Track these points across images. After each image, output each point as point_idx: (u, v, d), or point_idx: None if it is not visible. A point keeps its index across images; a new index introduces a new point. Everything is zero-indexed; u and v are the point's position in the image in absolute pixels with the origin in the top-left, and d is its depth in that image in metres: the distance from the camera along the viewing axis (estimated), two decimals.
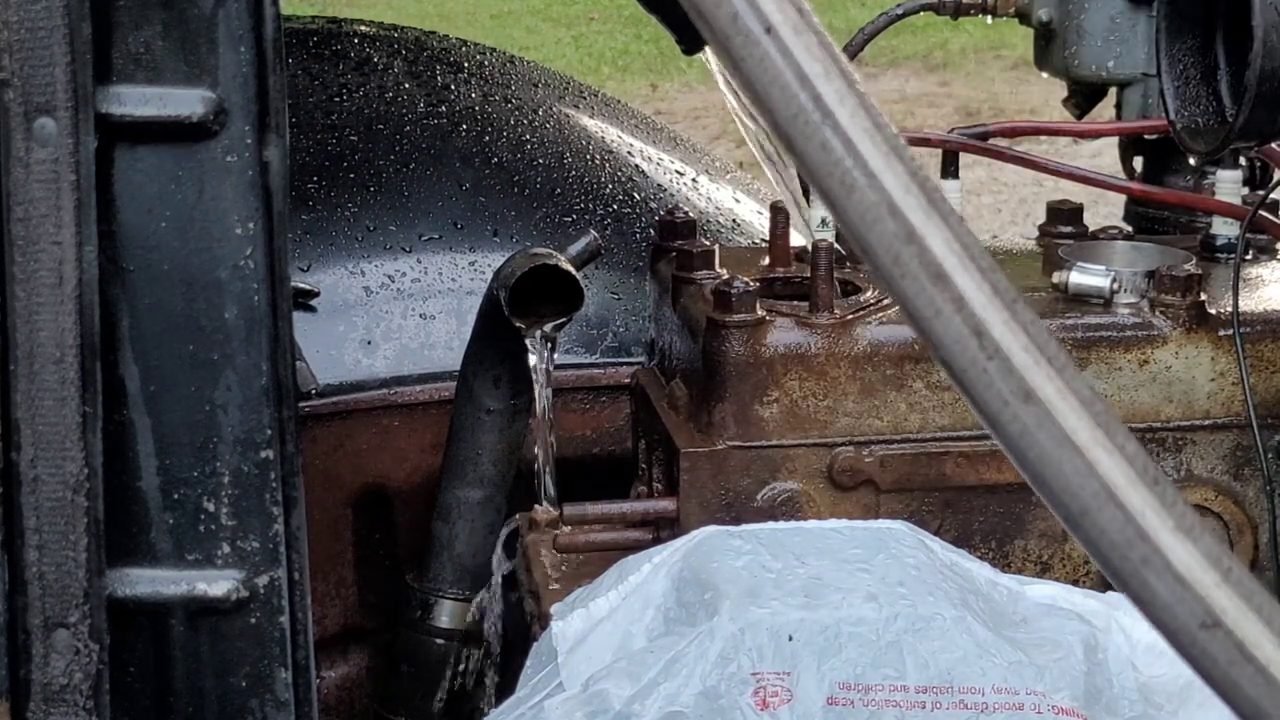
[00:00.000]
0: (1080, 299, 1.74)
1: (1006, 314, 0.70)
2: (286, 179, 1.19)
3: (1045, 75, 2.39)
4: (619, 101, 2.84)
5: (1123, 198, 2.34)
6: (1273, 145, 1.87)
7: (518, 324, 1.88)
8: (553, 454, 1.87)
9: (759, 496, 1.64)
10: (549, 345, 1.89)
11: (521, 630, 1.76)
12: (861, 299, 1.71)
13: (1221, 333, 1.70)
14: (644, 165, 2.51)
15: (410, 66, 2.52)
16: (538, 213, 2.34)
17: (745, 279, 1.67)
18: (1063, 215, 2.00)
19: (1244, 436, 1.71)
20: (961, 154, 1.97)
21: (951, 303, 0.70)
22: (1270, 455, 1.71)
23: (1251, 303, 1.75)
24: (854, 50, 2.21)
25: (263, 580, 1.23)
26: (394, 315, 2.24)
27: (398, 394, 2.20)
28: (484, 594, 1.93)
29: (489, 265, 2.19)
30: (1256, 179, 2.17)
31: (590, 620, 1.47)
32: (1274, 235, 1.93)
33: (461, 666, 2.10)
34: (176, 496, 1.21)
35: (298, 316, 1.91)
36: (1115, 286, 1.74)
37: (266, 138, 1.17)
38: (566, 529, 1.72)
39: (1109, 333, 1.70)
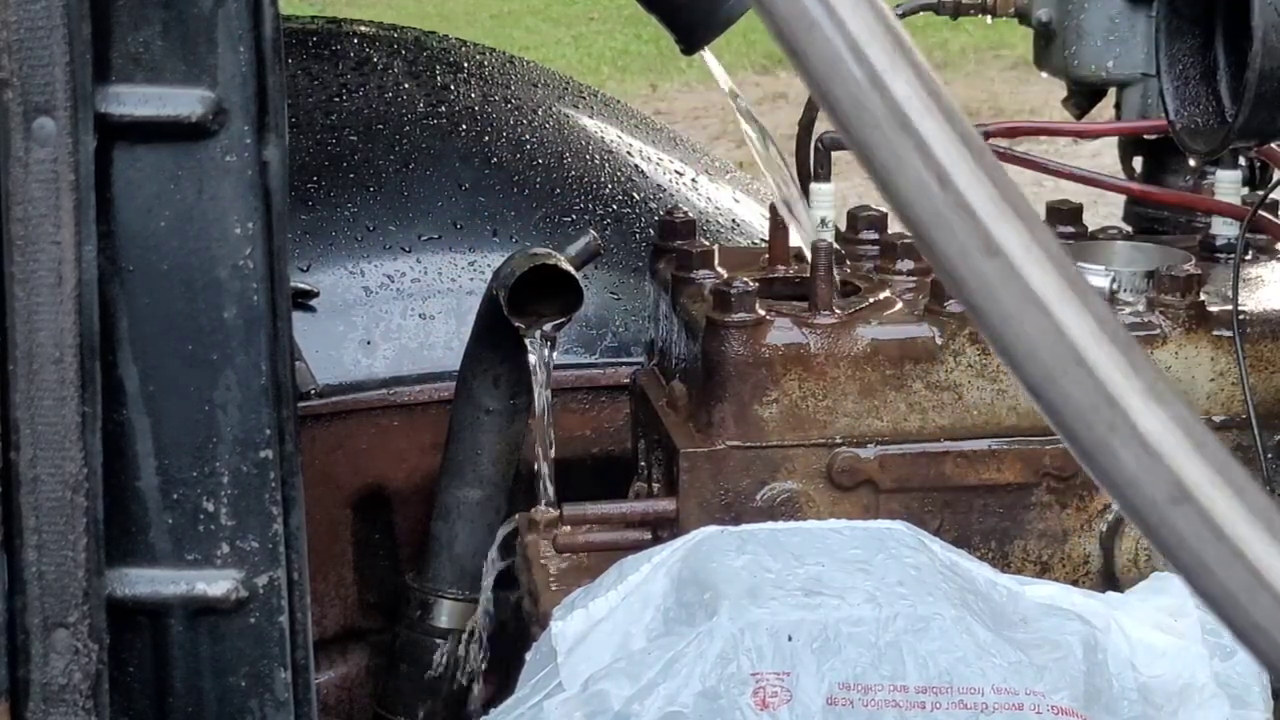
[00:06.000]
0: None
1: (972, 162, 0.67)
2: (286, 179, 1.18)
3: (1045, 75, 2.39)
4: (619, 101, 2.84)
5: (1123, 198, 2.34)
6: (1273, 145, 1.87)
7: (517, 324, 1.88)
8: (552, 454, 1.87)
9: (758, 496, 1.64)
10: (549, 345, 1.89)
11: (521, 630, 1.76)
12: (861, 299, 1.71)
13: (1221, 333, 1.70)
14: (644, 165, 2.51)
15: (410, 66, 2.52)
16: (538, 213, 2.34)
17: (745, 279, 1.67)
18: (1062, 215, 2.00)
19: (1244, 436, 1.71)
20: None
21: (915, 150, 0.66)
22: (1270, 455, 1.71)
23: (1251, 303, 1.75)
24: None
25: (262, 580, 1.23)
26: (393, 315, 2.24)
27: (397, 394, 2.20)
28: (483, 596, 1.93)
29: (489, 265, 2.19)
30: (1256, 179, 2.17)
31: (590, 620, 1.47)
32: (1274, 235, 1.93)
33: (461, 666, 2.10)
34: (176, 496, 1.21)
35: (297, 316, 1.91)
36: (1115, 286, 1.74)
37: (266, 137, 1.17)
38: (566, 529, 1.72)
39: None
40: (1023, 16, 2.34)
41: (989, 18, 2.37)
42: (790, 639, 1.37)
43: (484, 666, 1.95)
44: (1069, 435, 0.67)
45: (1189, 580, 0.65)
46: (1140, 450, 0.65)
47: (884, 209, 1.96)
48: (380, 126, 2.39)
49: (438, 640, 2.10)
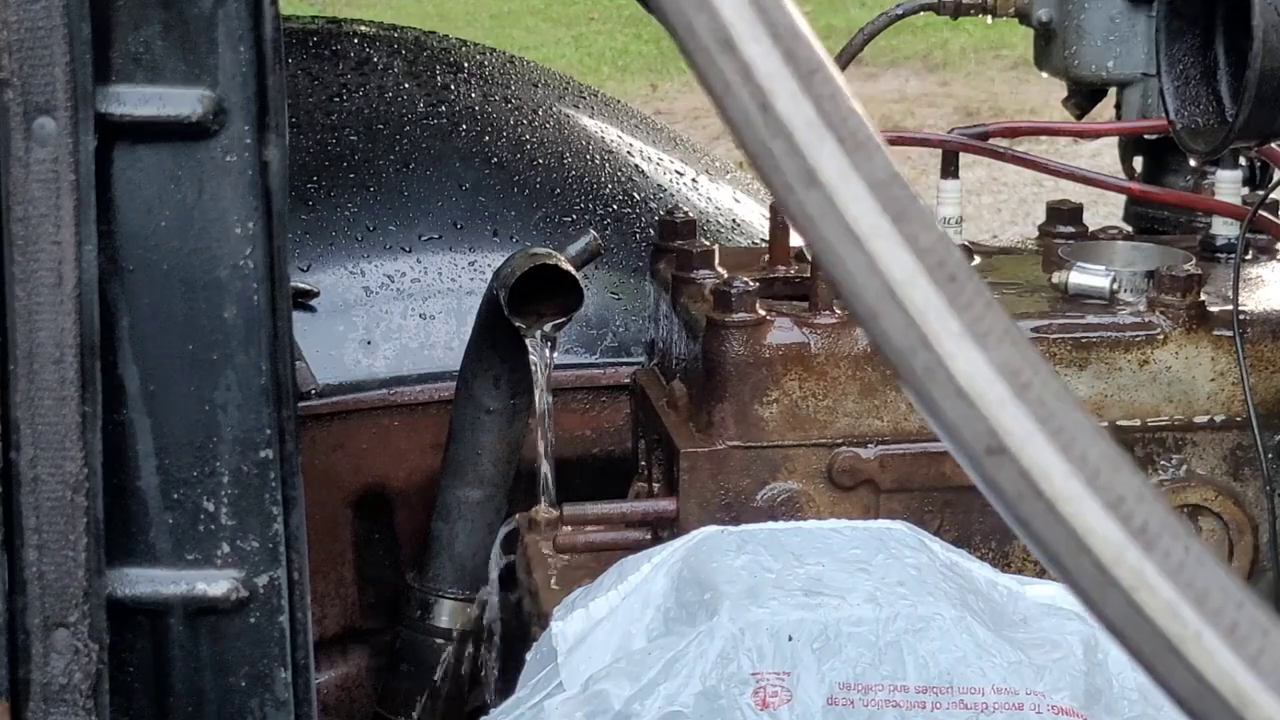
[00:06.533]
0: (1080, 299, 1.74)
1: (796, 85, 0.61)
2: (286, 179, 1.18)
3: (1045, 75, 2.39)
4: (619, 101, 2.84)
5: (1123, 198, 2.34)
6: (1273, 145, 1.87)
7: (518, 324, 1.88)
8: (552, 454, 1.87)
9: (759, 496, 1.64)
10: (549, 345, 1.89)
11: (521, 630, 1.76)
12: None
13: (1221, 333, 1.70)
14: (644, 165, 2.51)
15: (410, 66, 2.52)
16: (538, 213, 2.34)
17: (745, 279, 1.67)
18: (1063, 215, 2.00)
19: (1244, 436, 1.70)
20: (961, 154, 1.97)
21: (739, 74, 0.61)
22: (1270, 455, 1.71)
23: (1251, 303, 1.75)
24: (854, 50, 2.21)
25: (262, 580, 1.23)
26: (394, 315, 2.24)
27: (397, 394, 2.20)
28: (485, 590, 1.93)
29: (489, 265, 2.19)
30: (1256, 179, 2.17)
31: (590, 620, 1.47)
32: (1274, 235, 1.93)
33: (462, 667, 2.10)
34: (176, 496, 1.21)
35: (298, 316, 1.91)
36: (1115, 286, 1.74)
37: (266, 137, 1.17)
38: (566, 529, 1.72)
39: (1109, 333, 1.70)
40: (1023, 16, 2.34)
41: (989, 18, 2.37)
42: (790, 639, 1.37)
43: (496, 669, 1.95)
44: (897, 376, 0.63)
45: (1016, 529, 0.62)
46: (955, 397, 0.61)
47: None
48: (380, 126, 2.39)
49: (438, 640, 2.10)
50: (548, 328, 1.89)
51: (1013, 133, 2.09)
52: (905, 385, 0.62)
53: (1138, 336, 1.70)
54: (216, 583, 1.23)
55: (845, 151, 0.61)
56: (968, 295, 0.60)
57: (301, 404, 1.78)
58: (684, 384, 1.73)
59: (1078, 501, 0.59)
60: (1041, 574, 1.70)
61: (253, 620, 1.24)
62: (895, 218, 0.60)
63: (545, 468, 1.86)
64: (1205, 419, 1.71)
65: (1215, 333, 1.70)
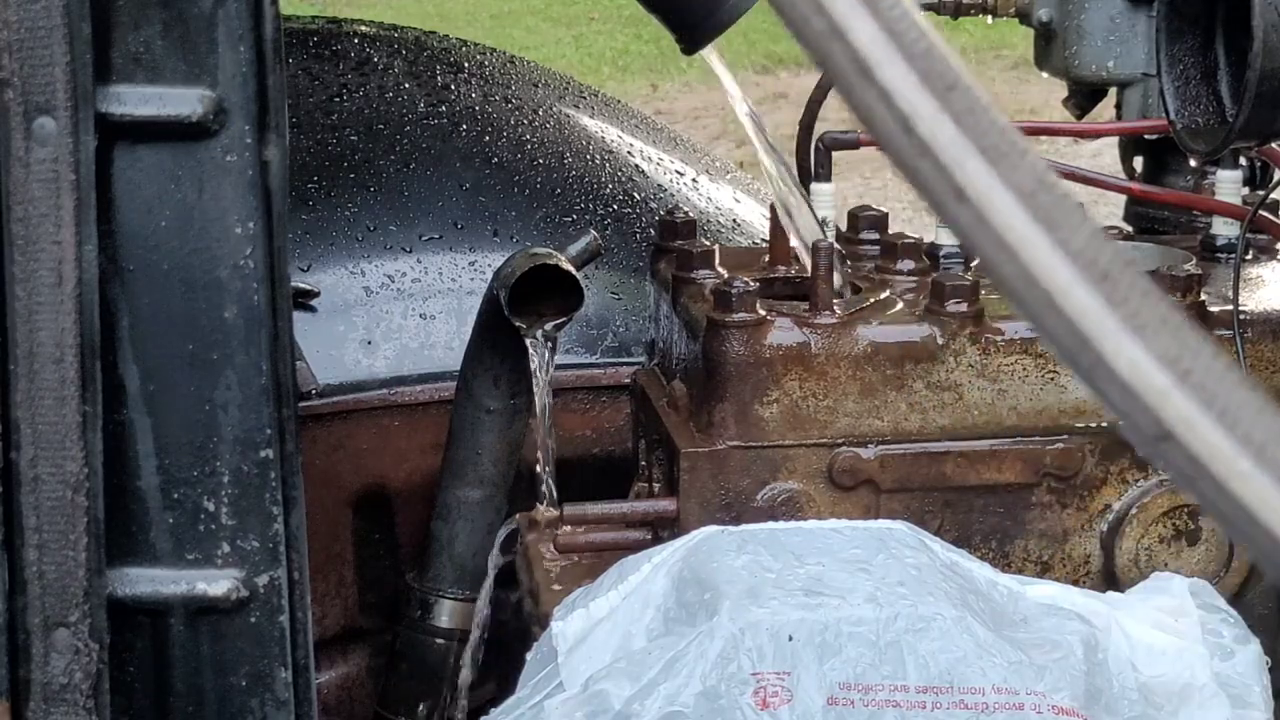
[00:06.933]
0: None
1: (935, 104, 0.64)
2: (286, 179, 1.19)
3: (1045, 75, 2.39)
4: (619, 101, 2.84)
5: (1123, 198, 2.34)
6: (1273, 145, 1.87)
7: (518, 324, 1.88)
8: (553, 454, 1.87)
9: (759, 496, 1.64)
10: (549, 345, 1.89)
11: (521, 630, 1.76)
12: (861, 299, 1.71)
13: (1221, 333, 1.70)
14: (644, 165, 2.51)
15: (410, 66, 2.52)
16: (538, 213, 2.34)
17: (745, 279, 1.67)
18: None
19: None
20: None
21: (879, 99, 0.64)
22: None
23: (1251, 303, 1.75)
24: None
25: (262, 580, 1.23)
26: (394, 315, 2.24)
27: (398, 394, 2.20)
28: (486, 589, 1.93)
29: (489, 265, 2.19)
30: (1256, 179, 2.17)
31: (590, 620, 1.47)
32: (1274, 235, 1.93)
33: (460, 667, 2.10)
34: (176, 496, 1.21)
35: (298, 316, 1.91)
36: None
37: (266, 137, 1.17)
38: (566, 529, 1.72)
39: None
40: (1023, 17, 2.34)
41: (989, 18, 2.37)
42: (791, 639, 1.37)
43: (479, 666, 1.95)
44: (1075, 374, 0.66)
45: (1199, 501, 0.64)
46: (1121, 391, 0.63)
47: (884, 209, 1.96)
48: (381, 126, 2.39)
49: (438, 640, 2.10)
50: (548, 327, 1.89)
51: None
52: (1080, 380, 0.65)
53: None
54: (217, 582, 1.23)
55: (990, 164, 0.64)
56: (1123, 291, 0.63)
57: (302, 404, 1.78)
58: (684, 384, 1.73)
59: (1244, 480, 0.62)
60: (1042, 574, 1.70)
61: (253, 620, 1.24)
62: (1046, 225, 0.63)
63: (545, 468, 1.86)
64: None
65: (1215, 333, 1.70)
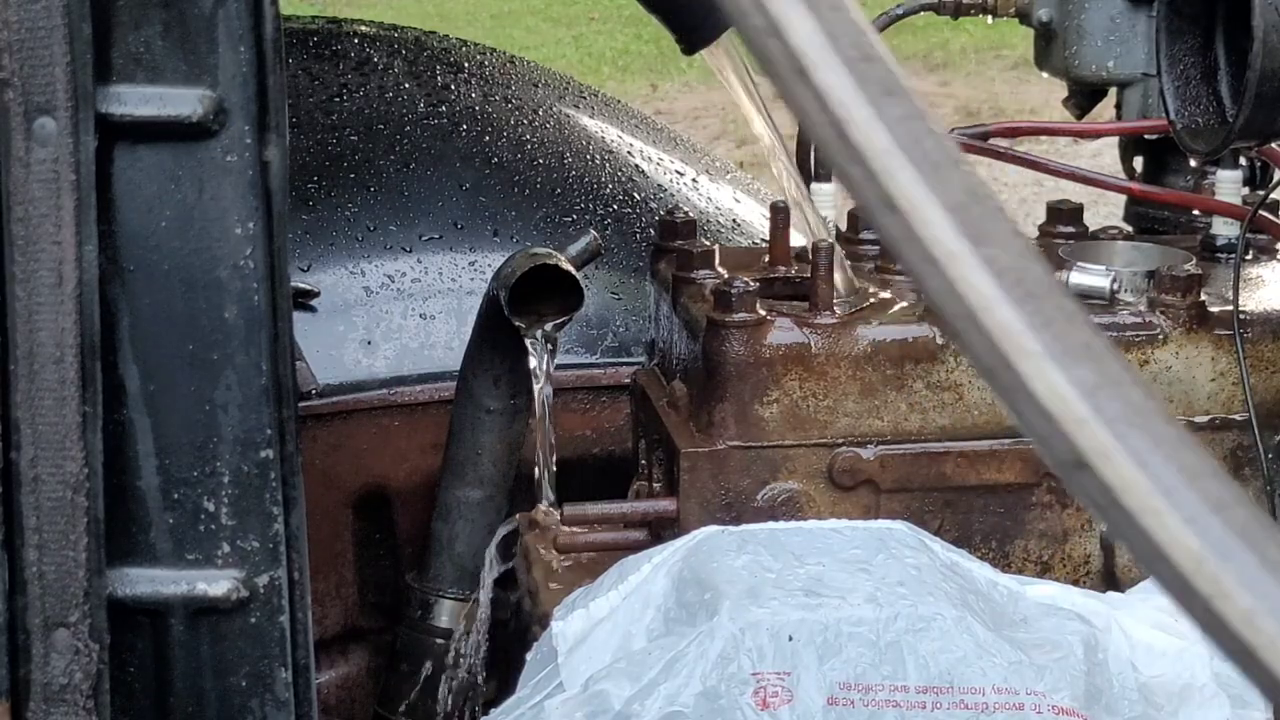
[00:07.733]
0: (1080, 299, 1.74)
1: (870, 110, 0.62)
2: (286, 179, 1.19)
3: (1045, 75, 2.39)
4: (619, 101, 2.84)
5: (1123, 198, 2.34)
6: (1273, 145, 1.87)
7: (518, 324, 1.88)
8: (553, 454, 1.87)
9: (759, 496, 1.64)
10: (549, 345, 1.89)
11: (521, 630, 1.76)
12: (861, 299, 1.71)
13: (1221, 333, 1.70)
14: (644, 165, 2.51)
15: (410, 66, 2.52)
16: (538, 213, 2.34)
17: (745, 279, 1.67)
18: (1063, 215, 2.00)
19: (1244, 436, 1.70)
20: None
21: (814, 101, 0.62)
22: (1270, 455, 1.71)
23: (1252, 303, 1.75)
24: None
25: (263, 580, 1.23)
26: (394, 315, 2.24)
27: (398, 394, 2.20)
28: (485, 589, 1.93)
29: (489, 265, 2.19)
30: (1256, 179, 2.17)
31: (590, 620, 1.47)
32: (1274, 235, 1.93)
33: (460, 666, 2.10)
34: (176, 496, 1.21)
35: (298, 316, 1.91)
36: (1115, 286, 1.74)
37: (266, 137, 1.17)
38: (566, 529, 1.72)
39: (1109, 333, 1.70)
40: (1023, 16, 2.34)
41: (989, 18, 2.37)
42: (791, 639, 1.37)
43: (483, 665, 1.95)
44: (993, 393, 0.64)
45: (1113, 534, 0.63)
46: (1038, 415, 0.62)
47: None
48: (381, 126, 2.39)
49: (438, 640, 2.10)
50: (548, 327, 1.89)
51: (1013, 133, 2.09)
52: (997, 399, 0.64)
53: (1138, 337, 1.70)
54: (217, 583, 1.23)
55: (923, 175, 0.62)
56: (1046, 313, 0.61)
57: (302, 404, 1.78)
58: (684, 384, 1.73)
59: (1156, 515, 0.60)
60: (1042, 574, 1.70)
61: (253, 620, 1.24)
62: (973, 240, 0.62)
63: (545, 468, 1.86)
64: (1205, 419, 1.71)
65: (1215, 333, 1.70)
